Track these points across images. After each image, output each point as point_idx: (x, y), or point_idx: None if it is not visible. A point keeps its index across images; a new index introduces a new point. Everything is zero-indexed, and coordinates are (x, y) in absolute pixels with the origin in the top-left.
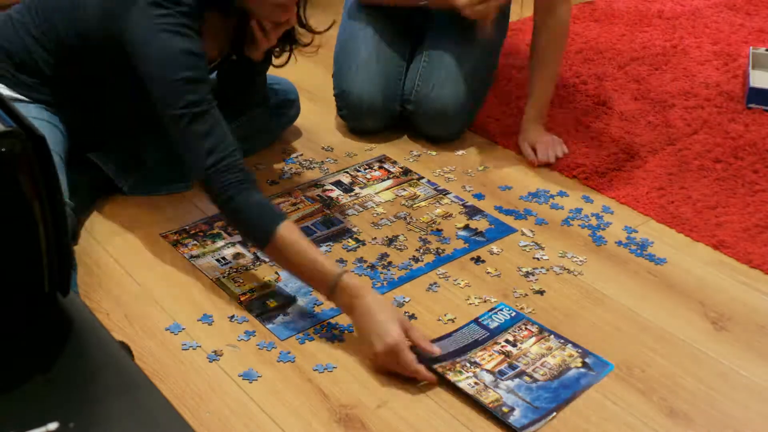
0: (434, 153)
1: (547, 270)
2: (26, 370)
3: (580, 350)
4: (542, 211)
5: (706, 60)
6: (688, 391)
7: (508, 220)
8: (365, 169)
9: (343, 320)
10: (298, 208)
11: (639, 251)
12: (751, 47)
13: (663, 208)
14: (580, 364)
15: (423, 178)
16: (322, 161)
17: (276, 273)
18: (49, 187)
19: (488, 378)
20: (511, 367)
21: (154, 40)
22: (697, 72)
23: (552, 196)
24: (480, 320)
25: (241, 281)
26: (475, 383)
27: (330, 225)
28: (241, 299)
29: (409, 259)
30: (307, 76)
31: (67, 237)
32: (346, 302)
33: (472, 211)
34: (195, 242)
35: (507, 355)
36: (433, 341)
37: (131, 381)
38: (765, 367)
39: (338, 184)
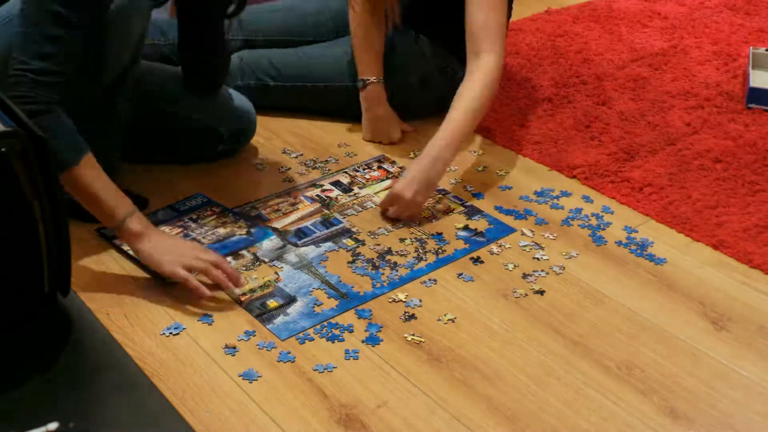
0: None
1: (547, 270)
2: (26, 370)
3: (248, 223)
4: (542, 211)
5: (706, 60)
6: (688, 391)
7: (508, 220)
8: (364, 169)
9: (343, 320)
10: (297, 208)
11: (639, 251)
12: (751, 47)
13: (663, 208)
14: (244, 233)
15: None
16: (321, 161)
17: (276, 273)
18: (49, 187)
19: None
20: (185, 237)
21: None
22: (697, 72)
23: (552, 196)
24: (174, 206)
25: (241, 281)
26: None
27: (329, 225)
28: (241, 299)
29: (410, 259)
30: None
31: (68, 237)
32: (139, 229)
33: (471, 211)
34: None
35: (185, 227)
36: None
37: (131, 381)
38: (765, 367)
39: (337, 184)
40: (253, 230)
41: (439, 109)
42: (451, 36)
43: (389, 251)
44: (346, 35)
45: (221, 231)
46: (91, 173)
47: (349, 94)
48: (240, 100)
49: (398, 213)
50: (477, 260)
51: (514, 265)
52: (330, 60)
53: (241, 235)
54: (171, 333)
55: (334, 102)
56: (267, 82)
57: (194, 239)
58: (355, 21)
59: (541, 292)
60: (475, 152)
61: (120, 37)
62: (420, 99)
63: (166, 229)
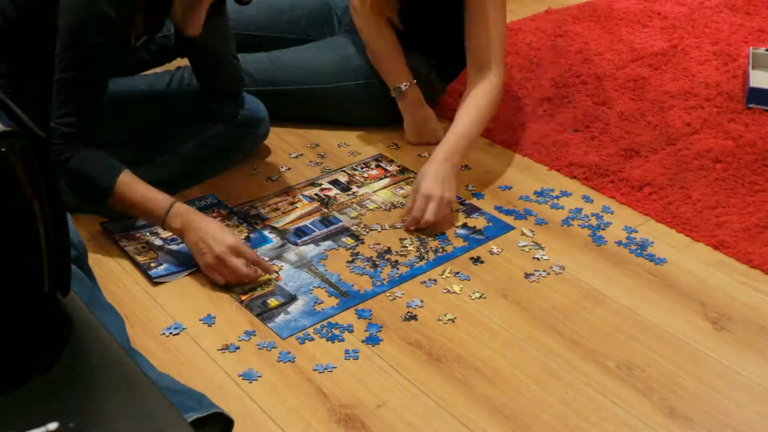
0: (432, 153)
1: (547, 270)
2: (26, 370)
3: (249, 228)
4: (542, 211)
5: (706, 60)
6: (688, 391)
7: (508, 220)
8: (362, 167)
9: (343, 320)
10: (296, 207)
11: (639, 251)
12: (751, 47)
13: (663, 208)
14: (243, 239)
15: None
16: (320, 160)
17: (276, 272)
18: (49, 187)
19: (157, 243)
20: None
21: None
22: (697, 72)
23: (552, 197)
24: (186, 204)
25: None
26: (142, 247)
27: (328, 224)
28: (242, 298)
29: (409, 257)
30: None
31: (68, 237)
32: (180, 224)
33: (470, 209)
34: None
35: None
36: (133, 220)
37: (131, 381)
38: (765, 367)
39: (336, 183)
40: (252, 236)
41: None
42: (432, 47)
43: (389, 250)
44: (317, 37)
45: None
46: (124, 191)
47: (322, 96)
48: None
49: (437, 212)
50: (477, 260)
51: (514, 265)
52: (303, 64)
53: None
54: (171, 333)
55: (305, 105)
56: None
57: None
58: (366, 27)
59: (541, 292)
60: (475, 152)
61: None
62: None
63: None
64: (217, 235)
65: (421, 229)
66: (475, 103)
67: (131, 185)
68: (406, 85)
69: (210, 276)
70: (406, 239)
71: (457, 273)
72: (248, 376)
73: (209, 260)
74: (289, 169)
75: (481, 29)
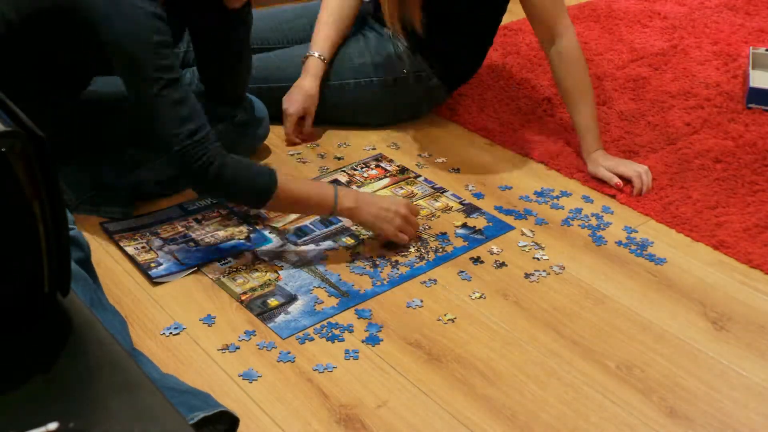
0: (432, 152)
1: (547, 270)
2: (26, 370)
3: (250, 228)
4: (542, 211)
5: (706, 60)
6: (688, 391)
7: (508, 220)
8: (362, 167)
9: (343, 320)
10: None
11: (639, 251)
12: (751, 47)
13: (663, 208)
14: (244, 238)
15: (420, 176)
16: (320, 160)
17: (276, 272)
18: (49, 187)
19: (157, 243)
20: (184, 236)
21: (118, 3)
22: (697, 72)
23: (552, 197)
24: (183, 205)
25: (242, 280)
26: (142, 247)
27: (329, 224)
28: (242, 298)
29: (409, 257)
30: None
31: (68, 237)
32: (351, 205)
33: (469, 209)
34: None
35: (187, 228)
36: (136, 217)
37: (131, 381)
38: (765, 367)
39: (336, 182)
40: (252, 236)
41: (412, 112)
42: (439, 53)
43: (389, 248)
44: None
45: (221, 233)
46: (289, 187)
47: (321, 94)
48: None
49: (649, 181)
50: (477, 260)
51: (514, 265)
52: (290, 61)
53: (239, 239)
54: (171, 333)
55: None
56: None
57: (193, 240)
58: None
59: (541, 292)
60: (475, 152)
61: None
62: (393, 99)
63: (169, 226)
64: (393, 201)
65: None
66: (570, 78)
67: (290, 182)
68: (314, 54)
69: (396, 239)
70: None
71: (457, 273)
72: (248, 376)
73: (398, 223)
74: (289, 169)
75: (538, 2)
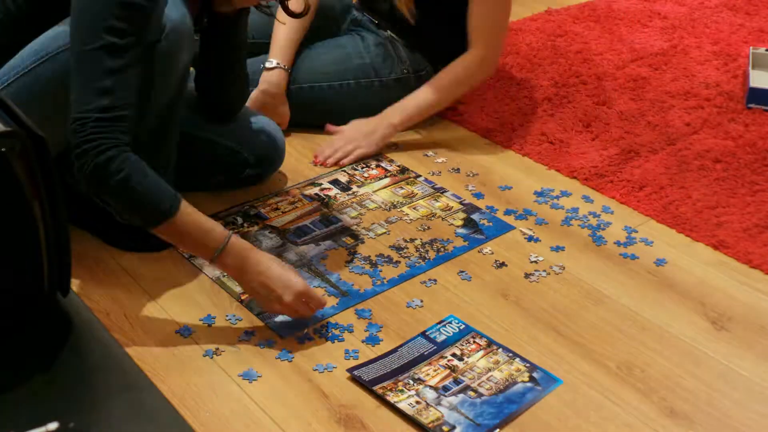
0: (432, 152)
1: (547, 270)
2: (26, 370)
3: (528, 365)
4: (542, 211)
5: (706, 60)
6: (688, 391)
7: (508, 220)
8: (362, 167)
9: (343, 320)
10: (296, 207)
11: (639, 251)
12: (751, 47)
13: (663, 208)
14: (527, 379)
15: (420, 176)
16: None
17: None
18: (49, 187)
19: (431, 395)
20: (456, 382)
21: None
22: (697, 72)
23: (552, 197)
24: (427, 333)
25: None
26: (417, 402)
27: (328, 224)
28: (242, 298)
29: (409, 257)
30: None
31: (68, 237)
32: (234, 263)
33: (470, 209)
34: None
35: (453, 369)
36: (378, 358)
37: (131, 381)
38: (765, 367)
39: (336, 182)
40: (535, 375)
41: None
42: (428, 43)
43: (389, 248)
44: (315, 40)
45: (497, 375)
46: (184, 219)
47: (321, 95)
48: (265, 123)
49: (340, 158)
50: (477, 260)
51: (514, 265)
52: (303, 63)
53: (522, 381)
54: (171, 333)
55: (304, 105)
56: None
57: (470, 388)
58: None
59: (541, 293)
60: (475, 152)
61: (168, 70)
62: (395, 99)
63: (429, 368)
64: (283, 279)
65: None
66: (444, 73)
67: (190, 215)
68: (277, 63)
69: (268, 311)
70: (405, 238)
71: (457, 273)
72: (248, 376)
73: (275, 307)
74: (289, 168)
75: (479, 8)
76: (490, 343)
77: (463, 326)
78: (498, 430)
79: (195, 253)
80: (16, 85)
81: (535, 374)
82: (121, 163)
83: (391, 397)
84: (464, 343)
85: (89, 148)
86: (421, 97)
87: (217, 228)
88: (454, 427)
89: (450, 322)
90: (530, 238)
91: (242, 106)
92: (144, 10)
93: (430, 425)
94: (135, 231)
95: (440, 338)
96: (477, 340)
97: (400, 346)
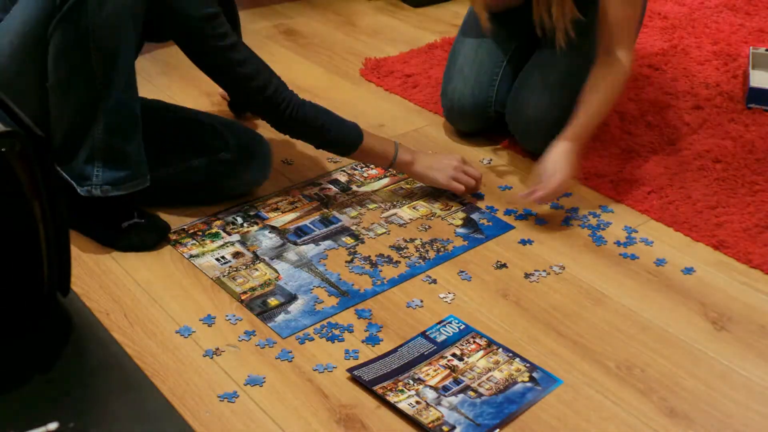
0: (431, 152)
1: (547, 270)
2: (26, 370)
3: (528, 365)
4: (542, 211)
5: (706, 60)
6: (688, 391)
7: (509, 220)
8: (362, 167)
9: (343, 320)
10: (296, 207)
11: (639, 251)
12: (751, 47)
13: (663, 208)
14: (527, 379)
15: None
16: (320, 160)
17: (276, 272)
18: (49, 187)
19: (431, 395)
20: (456, 382)
21: None
22: (697, 72)
23: None
24: (427, 333)
25: (242, 280)
26: (417, 402)
27: (328, 224)
28: (242, 298)
29: (409, 257)
30: (306, 74)
31: (68, 237)
32: (406, 160)
33: (470, 209)
34: (194, 242)
35: (453, 369)
36: (378, 358)
37: (131, 381)
38: (765, 367)
39: (335, 182)
40: (535, 374)
41: None
42: None
43: (389, 248)
44: None
45: (497, 375)
46: (366, 141)
47: None
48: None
49: (557, 192)
50: (477, 259)
51: (514, 265)
52: None
53: (522, 381)
54: (171, 333)
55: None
56: None
57: (470, 388)
58: None
59: (541, 292)
60: (475, 152)
61: None
62: None
63: (429, 368)
64: (447, 155)
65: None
66: (601, 86)
67: (368, 140)
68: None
69: (449, 187)
70: (405, 238)
71: (457, 273)
72: (252, 382)
73: (450, 172)
74: (289, 168)
75: (616, 6)
76: (490, 343)
77: (463, 326)
78: (498, 430)
79: (376, 164)
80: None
81: (535, 374)
82: (314, 112)
83: (391, 397)
84: (464, 343)
85: (283, 112)
86: (589, 120)
87: (385, 141)
88: (454, 427)
89: (450, 322)
90: (529, 239)
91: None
92: (221, 12)
93: (430, 425)
94: (130, 230)
95: (440, 338)
96: (477, 340)
97: (400, 346)
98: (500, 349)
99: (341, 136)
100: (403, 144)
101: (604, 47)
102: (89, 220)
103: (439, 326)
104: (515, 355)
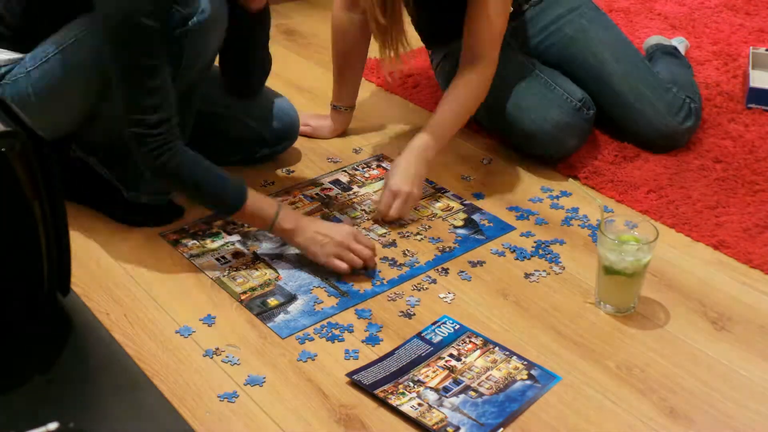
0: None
1: (548, 270)
2: (26, 370)
3: (525, 362)
4: (542, 210)
5: (706, 60)
6: (688, 391)
7: (508, 220)
8: (363, 167)
9: (343, 320)
10: (297, 207)
11: None
12: (751, 47)
13: (663, 208)
14: (525, 377)
15: None
16: (321, 160)
17: (276, 272)
18: (49, 187)
19: (432, 396)
20: (456, 382)
21: None
22: (697, 72)
23: (552, 196)
24: (423, 334)
25: (242, 280)
26: (419, 404)
27: None
28: (242, 298)
29: (409, 257)
30: (306, 75)
31: (68, 237)
32: (286, 227)
33: (470, 209)
34: (194, 242)
35: (451, 370)
36: (376, 361)
37: (131, 381)
38: (765, 367)
39: (336, 182)
40: (533, 372)
41: None
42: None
43: (389, 248)
44: None
45: (495, 374)
46: (245, 210)
47: None
48: (282, 101)
49: (401, 209)
50: (477, 260)
51: (514, 265)
52: None
53: (521, 379)
54: (171, 333)
55: None
56: None
57: (470, 388)
58: (337, 28)
59: (541, 293)
60: (475, 152)
61: (199, 50)
62: None
63: (428, 369)
64: (335, 227)
65: (389, 223)
66: (457, 94)
67: (251, 204)
68: (344, 108)
69: (331, 266)
70: (405, 238)
71: (457, 273)
72: (252, 382)
73: (330, 249)
74: (290, 168)
75: (483, 16)
76: (486, 341)
77: (458, 326)
78: (502, 429)
79: (254, 225)
80: (40, 70)
81: (533, 372)
82: (191, 167)
83: (393, 401)
84: (460, 343)
85: (154, 156)
86: (447, 123)
87: (266, 200)
88: (458, 428)
89: (444, 323)
90: (529, 238)
91: (262, 86)
92: (158, 30)
93: (434, 427)
94: (140, 207)
95: (436, 339)
96: (473, 340)
97: (397, 348)
98: (497, 348)
99: (216, 200)
100: (290, 211)
101: (471, 53)
102: (103, 197)
103: (433, 327)
104: (512, 353)
